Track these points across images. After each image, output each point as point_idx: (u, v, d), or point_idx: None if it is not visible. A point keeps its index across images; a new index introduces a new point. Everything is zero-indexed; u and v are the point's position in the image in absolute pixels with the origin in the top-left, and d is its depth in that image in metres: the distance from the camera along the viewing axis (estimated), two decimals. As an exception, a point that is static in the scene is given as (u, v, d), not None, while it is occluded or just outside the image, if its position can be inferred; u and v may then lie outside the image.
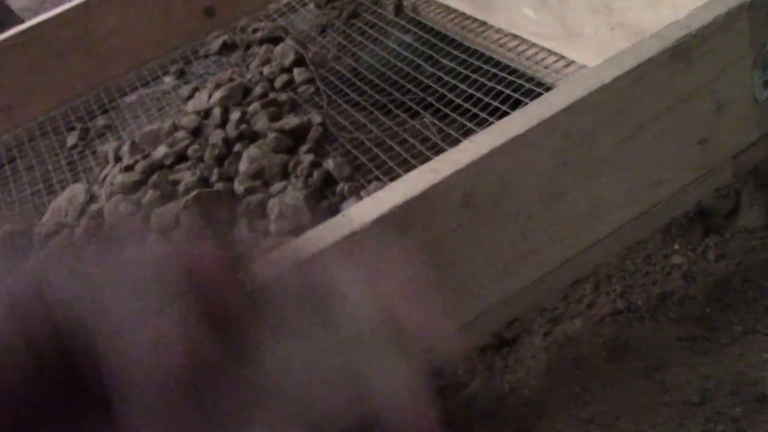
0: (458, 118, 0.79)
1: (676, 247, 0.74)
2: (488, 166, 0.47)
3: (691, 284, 0.69)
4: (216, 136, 0.85)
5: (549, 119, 0.48)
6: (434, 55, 0.89)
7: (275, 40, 1.06)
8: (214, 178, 0.80)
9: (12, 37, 1.06)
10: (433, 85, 0.85)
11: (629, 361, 0.66)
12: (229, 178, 0.80)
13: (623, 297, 0.70)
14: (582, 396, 0.64)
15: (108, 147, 0.96)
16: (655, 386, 0.62)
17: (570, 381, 0.67)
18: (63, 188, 0.94)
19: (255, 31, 1.09)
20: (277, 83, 0.96)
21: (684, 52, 0.51)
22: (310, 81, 0.95)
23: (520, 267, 0.52)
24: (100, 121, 1.05)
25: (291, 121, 0.85)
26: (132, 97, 1.09)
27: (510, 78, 0.78)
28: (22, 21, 1.33)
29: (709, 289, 0.67)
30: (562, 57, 0.76)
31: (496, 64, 0.82)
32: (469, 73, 0.82)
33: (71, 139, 1.03)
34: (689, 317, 0.68)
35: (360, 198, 0.72)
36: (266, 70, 0.99)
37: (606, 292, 0.74)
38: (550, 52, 0.78)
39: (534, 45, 0.80)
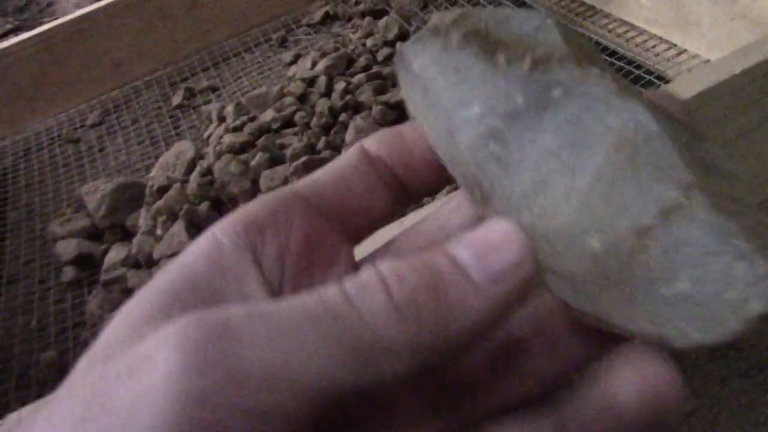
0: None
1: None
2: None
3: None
4: (322, 105, 0.88)
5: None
6: (539, 36, 0.90)
7: (377, 13, 1.08)
8: (320, 145, 0.83)
9: (125, -2, 1.10)
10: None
11: (730, 360, 0.66)
12: (335, 147, 0.83)
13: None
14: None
15: (212, 106, 0.99)
16: (756, 386, 0.62)
17: None
18: (167, 144, 0.98)
19: (357, 3, 1.11)
20: (380, 56, 0.98)
21: (816, 47, 0.51)
22: (412, 55, 0.97)
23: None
24: (204, 82, 1.09)
25: (396, 94, 0.87)
26: (234, 61, 1.12)
27: (618, 63, 0.79)
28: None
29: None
30: (674, 45, 0.77)
31: (604, 48, 0.82)
32: (575, 57, 0.83)
33: (176, 99, 1.08)
34: (788, 317, 0.68)
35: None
36: (369, 42, 1.01)
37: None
38: (662, 40, 0.78)
39: (645, 32, 0.80)
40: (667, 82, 0.72)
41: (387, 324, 0.16)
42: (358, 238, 0.24)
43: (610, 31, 0.84)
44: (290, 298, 0.16)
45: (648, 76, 0.75)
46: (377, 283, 0.16)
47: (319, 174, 0.23)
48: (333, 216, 0.22)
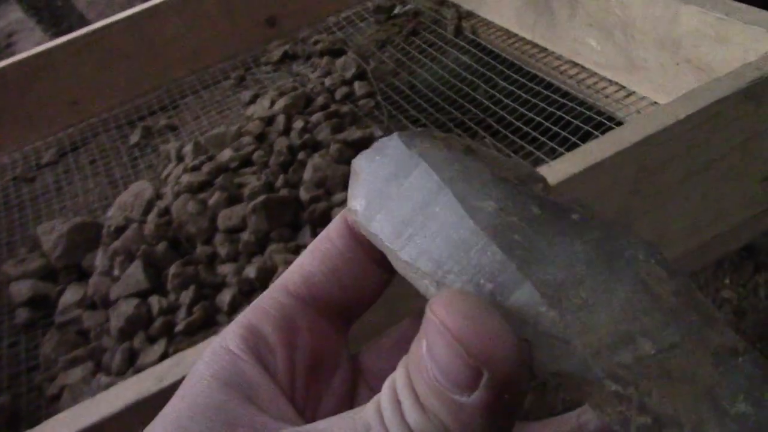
0: (517, 140, 0.81)
1: (727, 281, 0.77)
2: (566, 192, 0.50)
3: (741, 319, 0.71)
4: (281, 144, 0.88)
5: (626, 150, 0.51)
6: (493, 77, 0.92)
7: (336, 53, 1.10)
8: (279, 183, 0.83)
9: (82, 37, 1.10)
10: (492, 107, 0.88)
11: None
12: (293, 185, 0.83)
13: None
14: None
15: (171, 146, 0.99)
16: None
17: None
18: (125, 184, 0.98)
19: (316, 42, 1.13)
20: (338, 95, 1.00)
21: (756, 93, 0.53)
22: (370, 95, 0.99)
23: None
24: (162, 121, 1.09)
25: (353, 133, 0.88)
26: (193, 99, 1.13)
27: (570, 104, 0.81)
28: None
29: (760, 325, 0.69)
30: (623, 87, 0.79)
31: (556, 90, 0.85)
32: (528, 97, 0.85)
33: (134, 137, 1.07)
34: (738, 350, 0.70)
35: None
36: (327, 81, 1.02)
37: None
38: (611, 82, 0.81)
39: (594, 74, 0.83)
40: (618, 123, 0.74)
41: None
42: (352, 320, 0.25)
43: (562, 73, 0.86)
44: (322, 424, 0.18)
45: (599, 117, 0.77)
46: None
47: (310, 266, 0.23)
48: (331, 312, 0.23)
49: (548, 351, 0.18)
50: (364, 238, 0.23)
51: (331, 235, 0.24)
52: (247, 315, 0.22)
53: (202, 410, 0.19)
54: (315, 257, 0.23)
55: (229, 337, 0.22)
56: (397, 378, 0.17)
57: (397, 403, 0.17)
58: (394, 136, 0.24)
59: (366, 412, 0.18)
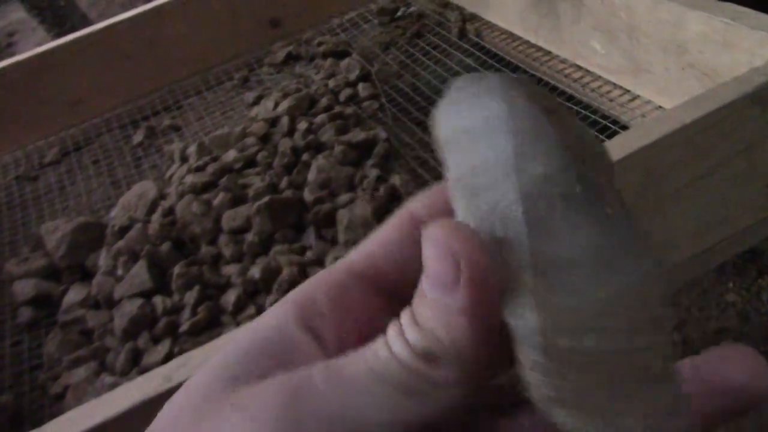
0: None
1: (731, 285, 0.77)
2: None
3: (745, 323, 0.72)
4: (285, 145, 0.89)
5: (632, 154, 0.51)
6: (497, 80, 0.92)
7: (339, 54, 1.10)
8: (283, 185, 0.83)
9: (86, 36, 1.10)
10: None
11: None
12: (297, 186, 0.83)
13: (679, 330, 0.73)
14: None
15: (174, 147, 0.99)
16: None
17: None
18: (129, 184, 0.98)
19: (320, 44, 1.13)
20: (342, 96, 1.00)
21: (762, 97, 0.54)
22: (374, 97, 0.99)
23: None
24: (165, 121, 1.09)
25: (358, 135, 0.88)
26: (196, 100, 1.13)
27: (574, 108, 0.81)
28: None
29: (764, 328, 0.69)
30: (627, 91, 0.79)
31: (561, 93, 0.85)
32: (532, 100, 0.86)
33: (137, 137, 1.07)
34: (744, 354, 0.70)
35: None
36: (331, 82, 1.02)
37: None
38: (615, 86, 0.81)
39: (599, 78, 0.83)
40: (622, 127, 0.75)
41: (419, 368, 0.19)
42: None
43: (566, 76, 0.86)
44: (354, 357, 0.20)
45: (604, 121, 0.77)
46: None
47: (373, 248, 0.24)
48: (387, 291, 0.24)
49: (512, 308, 0.19)
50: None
51: (394, 222, 0.25)
52: (302, 285, 0.24)
53: (256, 349, 0.22)
54: (377, 241, 0.24)
55: (283, 304, 0.23)
56: (401, 315, 0.20)
57: (401, 329, 0.20)
58: (484, 80, 0.24)
59: (376, 342, 0.20)
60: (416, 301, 0.20)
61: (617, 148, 0.51)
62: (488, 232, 0.20)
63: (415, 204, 0.24)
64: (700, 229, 0.59)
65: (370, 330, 0.23)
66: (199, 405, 0.21)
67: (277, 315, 0.23)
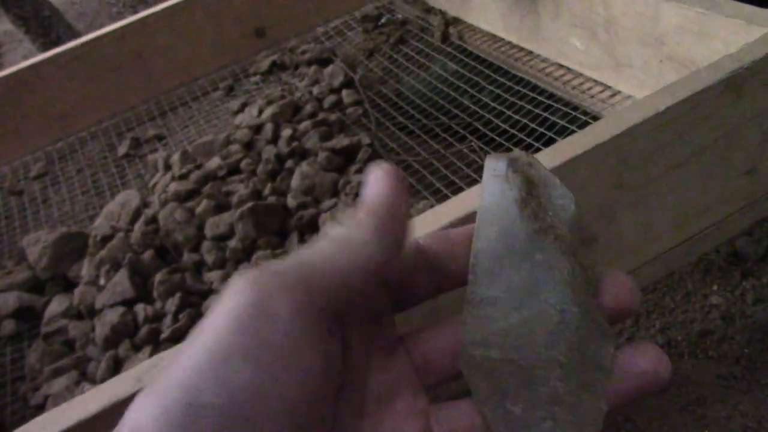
0: (504, 142, 0.81)
1: (714, 287, 0.76)
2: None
3: (730, 325, 0.71)
4: (269, 152, 0.88)
5: (606, 143, 0.51)
6: (480, 81, 0.92)
7: (324, 62, 1.10)
8: (267, 191, 0.83)
9: (71, 50, 1.10)
10: (479, 110, 0.88)
11: (671, 395, 0.67)
12: (281, 193, 0.83)
13: (663, 332, 0.72)
14: (625, 425, 0.65)
15: (158, 155, 0.99)
16: (697, 421, 0.63)
17: (613, 410, 0.69)
18: (112, 194, 0.97)
19: (304, 52, 1.13)
20: (326, 103, 0.99)
21: (736, 84, 0.53)
22: (358, 103, 0.98)
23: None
24: (150, 131, 1.09)
25: (341, 141, 0.87)
26: (181, 110, 1.13)
27: (555, 105, 0.81)
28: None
29: (748, 331, 0.69)
30: (608, 87, 0.79)
31: (542, 92, 0.85)
32: (515, 100, 0.85)
33: (122, 148, 1.07)
34: (728, 356, 0.70)
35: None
36: (315, 90, 1.02)
37: (646, 327, 0.76)
38: (596, 82, 0.81)
39: (580, 75, 0.83)
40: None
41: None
42: (401, 308, 0.31)
43: (547, 75, 0.86)
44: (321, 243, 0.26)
45: (584, 117, 0.77)
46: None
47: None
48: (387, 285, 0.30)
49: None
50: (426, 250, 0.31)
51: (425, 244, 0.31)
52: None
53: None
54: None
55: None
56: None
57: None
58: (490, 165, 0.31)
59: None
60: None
61: (591, 137, 0.51)
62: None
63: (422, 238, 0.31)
64: (680, 219, 0.58)
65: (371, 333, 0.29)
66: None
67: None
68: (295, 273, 0.24)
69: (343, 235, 0.26)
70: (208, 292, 0.75)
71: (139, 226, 0.82)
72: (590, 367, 0.27)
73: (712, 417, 0.64)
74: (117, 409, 0.45)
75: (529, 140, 0.78)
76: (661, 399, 0.65)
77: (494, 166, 0.30)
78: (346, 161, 0.87)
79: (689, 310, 0.75)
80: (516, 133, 0.81)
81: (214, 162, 0.89)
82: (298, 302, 0.23)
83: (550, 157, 0.50)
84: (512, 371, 0.26)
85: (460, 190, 0.76)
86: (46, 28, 1.72)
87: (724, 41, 0.61)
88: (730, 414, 0.63)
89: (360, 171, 0.84)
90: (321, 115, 0.95)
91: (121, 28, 1.12)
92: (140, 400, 0.22)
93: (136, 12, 1.14)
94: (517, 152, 0.31)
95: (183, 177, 0.89)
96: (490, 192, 0.29)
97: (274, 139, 0.92)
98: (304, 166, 0.84)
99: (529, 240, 0.28)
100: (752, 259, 0.78)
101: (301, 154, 0.88)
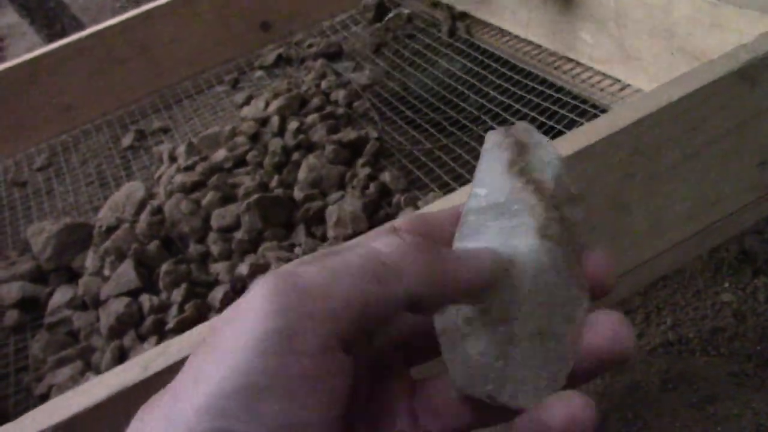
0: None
1: (726, 285, 0.76)
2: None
3: (741, 322, 0.70)
4: (275, 144, 0.88)
5: (618, 132, 0.50)
6: (488, 75, 0.91)
7: (330, 56, 1.09)
8: (273, 184, 0.82)
9: (76, 42, 1.10)
10: (487, 104, 0.87)
11: (681, 392, 0.66)
12: (287, 185, 0.82)
13: (674, 329, 0.71)
14: (635, 422, 0.65)
15: (163, 147, 0.99)
16: (708, 418, 0.62)
17: (623, 406, 0.68)
18: (117, 185, 0.97)
19: (310, 45, 1.12)
20: (333, 97, 0.99)
21: (750, 74, 0.53)
22: (364, 96, 0.98)
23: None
24: (156, 123, 1.08)
25: (349, 134, 0.87)
26: (187, 103, 1.12)
27: (564, 99, 0.80)
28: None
29: (759, 328, 0.68)
30: (618, 80, 0.78)
31: (551, 85, 0.84)
32: (523, 94, 0.85)
33: (126, 140, 1.07)
34: (740, 354, 0.69)
35: (417, 208, 0.74)
36: (323, 84, 1.01)
37: (656, 323, 0.76)
38: (606, 76, 0.80)
39: (589, 68, 0.82)
40: (611, 115, 0.74)
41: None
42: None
43: (556, 68, 0.85)
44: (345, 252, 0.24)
45: (594, 110, 0.76)
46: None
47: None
48: None
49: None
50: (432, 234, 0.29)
51: (400, 227, 0.28)
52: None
53: None
54: (386, 244, 0.26)
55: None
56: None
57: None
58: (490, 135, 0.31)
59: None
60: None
61: (604, 126, 0.50)
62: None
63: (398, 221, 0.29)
64: (692, 210, 0.57)
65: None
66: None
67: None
68: (323, 293, 0.22)
69: (381, 255, 0.24)
70: (213, 283, 0.74)
71: (144, 217, 0.82)
72: (558, 317, 0.26)
73: (723, 414, 0.63)
74: (125, 396, 0.44)
75: (537, 133, 0.78)
76: (672, 396, 0.64)
77: (492, 137, 0.30)
78: (353, 154, 0.86)
79: (700, 308, 0.75)
80: (524, 126, 0.80)
81: (220, 154, 0.89)
82: (325, 338, 0.22)
83: (563, 147, 0.49)
84: (477, 315, 0.26)
85: (468, 181, 0.75)
86: (51, 19, 1.72)
87: (737, 32, 0.60)
88: (742, 411, 0.63)
89: (367, 164, 0.83)
90: (328, 109, 0.95)
91: (127, 20, 1.12)
92: (159, 418, 0.21)
93: (139, 7, 1.14)
94: (517, 124, 0.31)
95: (189, 168, 0.88)
96: (486, 159, 0.30)
97: (281, 132, 0.91)
98: (311, 159, 0.84)
99: (510, 193, 0.28)
100: (762, 258, 0.77)
101: (308, 147, 0.88)
